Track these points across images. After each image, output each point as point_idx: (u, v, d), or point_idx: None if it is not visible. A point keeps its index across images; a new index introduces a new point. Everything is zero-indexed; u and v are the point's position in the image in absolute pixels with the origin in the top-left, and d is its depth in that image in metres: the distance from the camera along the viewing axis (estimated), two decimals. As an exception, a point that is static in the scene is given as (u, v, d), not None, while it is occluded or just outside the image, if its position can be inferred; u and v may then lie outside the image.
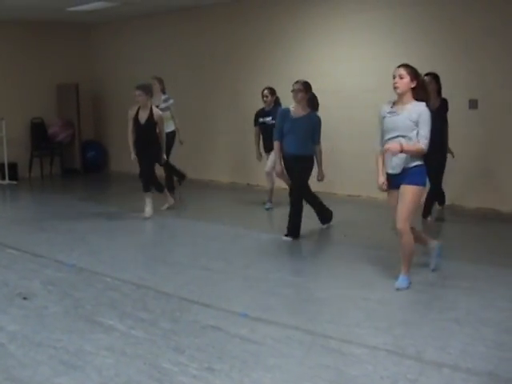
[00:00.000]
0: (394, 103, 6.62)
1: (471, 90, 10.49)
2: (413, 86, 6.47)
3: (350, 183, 11.89)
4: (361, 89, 11.61)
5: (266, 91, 10.88)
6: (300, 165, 8.57)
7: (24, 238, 9.52)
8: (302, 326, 5.62)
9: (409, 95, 6.51)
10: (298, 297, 6.58)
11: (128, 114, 10.28)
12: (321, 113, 11.48)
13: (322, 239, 8.69)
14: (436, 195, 9.66)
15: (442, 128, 9.13)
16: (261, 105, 10.93)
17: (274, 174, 9.89)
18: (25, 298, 6.58)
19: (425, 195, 7.13)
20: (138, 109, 10.20)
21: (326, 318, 5.87)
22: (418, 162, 6.51)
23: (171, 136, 11.78)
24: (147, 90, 10.28)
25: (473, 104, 10.53)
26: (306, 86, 8.74)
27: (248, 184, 13.26)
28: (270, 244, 8.02)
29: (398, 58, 11.01)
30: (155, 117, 10.20)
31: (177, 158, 12.13)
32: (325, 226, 9.18)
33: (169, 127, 11.70)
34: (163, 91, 12.13)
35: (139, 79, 15.10)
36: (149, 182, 10.28)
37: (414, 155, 6.45)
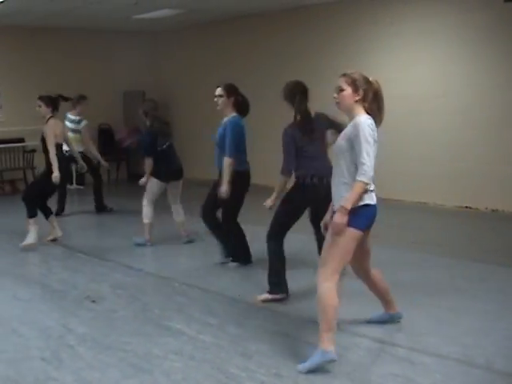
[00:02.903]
0: None
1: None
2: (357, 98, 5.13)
3: (417, 190, 11.77)
4: (429, 94, 11.51)
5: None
6: None
7: (92, 242, 9.67)
8: (370, 334, 5.58)
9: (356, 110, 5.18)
10: (366, 304, 6.48)
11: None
12: (388, 118, 11.43)
13: (389, 245, 8.60)
14: None
15: None
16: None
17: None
18: (94, 301, 6.68)
19: None
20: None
21: (394, 325, 5.81)
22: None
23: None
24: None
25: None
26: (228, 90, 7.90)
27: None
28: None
29: (467, 63, 11.04)
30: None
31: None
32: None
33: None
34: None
35: (205, 86, 15.25)
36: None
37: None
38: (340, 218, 4.86)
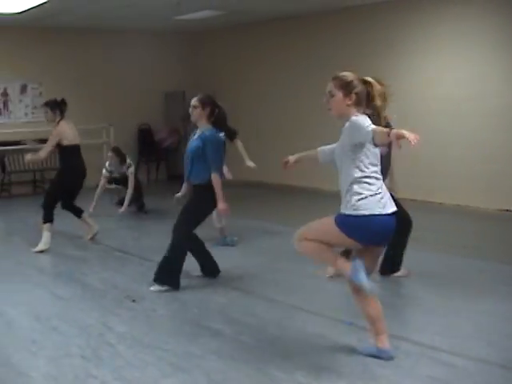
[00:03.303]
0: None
1: None
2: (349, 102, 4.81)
3: (457, 192, 11.67)
4: (466, 96, 11.41)
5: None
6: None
7: (132, 241, 9.73)
8: (409, 337, 5.54)
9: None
10: (405, 307, 6.49)
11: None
12: (427, 120, 11.42)
13: (428, 248, 8.53)
14: None
15: None
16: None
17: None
18: (133, 301, 6.70)
19: None
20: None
21: (434, 329, 5.77)
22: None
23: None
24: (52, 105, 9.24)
25: None
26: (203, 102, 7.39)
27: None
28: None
29: (504, 65, 10.93)
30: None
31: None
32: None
33: None
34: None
35: (245, 86, 15.30)
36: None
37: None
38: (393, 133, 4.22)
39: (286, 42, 14.57)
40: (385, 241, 4.96)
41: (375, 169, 4.74)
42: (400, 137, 4.14)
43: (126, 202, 11.35)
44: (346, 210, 4.76)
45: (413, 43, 12.17)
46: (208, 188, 7.13)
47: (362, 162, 4.68)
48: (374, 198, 4.67)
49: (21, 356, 5.37)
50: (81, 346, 5.50)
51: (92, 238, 9.57)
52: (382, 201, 4.71)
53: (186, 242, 7.18)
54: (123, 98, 15.83)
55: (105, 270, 8.14)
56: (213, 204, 7.26)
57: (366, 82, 4.84)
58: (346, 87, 4.78)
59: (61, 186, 9.23)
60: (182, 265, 7.10)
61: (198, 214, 7.25)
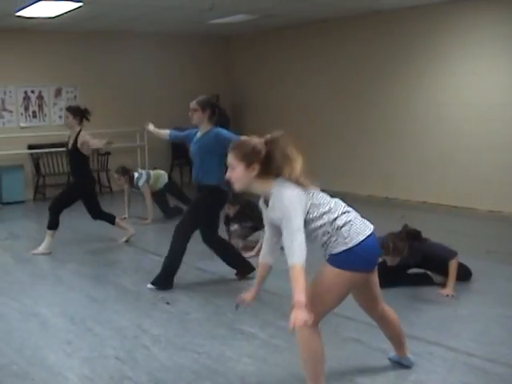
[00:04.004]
0: None
1: None
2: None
3: (491, 198, 11.56)
4: (502, 101, 11.33)
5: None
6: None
7: (165, 244, 9.70)
8: (444, 343, 5.53)
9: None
10: (440, 313, 6.43)
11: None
12: (462, 125, 11.36)
13: (462, 254, 8.48)
14: None
15: None
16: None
17: None
18: (167, 303, 6.75)
19: None
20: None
21: (468, 335, 5.76)
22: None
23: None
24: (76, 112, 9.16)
25: None
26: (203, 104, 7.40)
27: (386, 197, 13.08)
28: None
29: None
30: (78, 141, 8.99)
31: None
32: None
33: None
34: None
35: (278, 91, 15.30)
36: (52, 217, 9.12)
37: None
38: (299, 315, 3.90)
39: (318, 46, 14.52)
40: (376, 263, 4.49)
41: (333, 204, 4.19)
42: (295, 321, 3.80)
43: (149, 217, 11.39)
44: (338, 247, 4.20)
45: (449, 48, 12.05)
46: (216, 188, 7.20)
47: (316, 219, 4.17)
48: (357, 222, 4.19)
49: (56, 357, 5.44)
50: (115, 348, 5.56)
51: (127, 241, 9.63)
52: (365, 221, 4.28)
53: (184, 243, 7.36)
54: (156, 101, 15.91)
55: (138, 272, 8.19)
56: (220, 205, 7.44)
57: (271, 142, 4.12)
58: (247, 157, 4.09)
59: (78, 194, 9.20)
60: (178, 265, 7.37)
61: (204, 215, 7.37)
